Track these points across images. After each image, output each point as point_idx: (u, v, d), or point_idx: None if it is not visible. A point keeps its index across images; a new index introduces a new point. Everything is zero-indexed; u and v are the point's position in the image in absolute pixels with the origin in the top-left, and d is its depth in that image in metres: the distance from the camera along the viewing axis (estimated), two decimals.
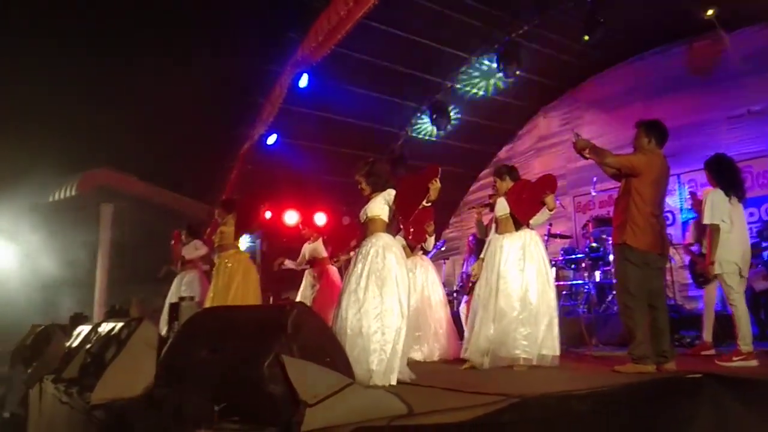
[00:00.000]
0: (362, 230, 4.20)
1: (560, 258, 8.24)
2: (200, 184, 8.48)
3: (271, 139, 8.42)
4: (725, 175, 4.72)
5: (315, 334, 2.59)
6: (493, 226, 5.10)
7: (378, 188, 4.13)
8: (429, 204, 3.99)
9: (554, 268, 8.33)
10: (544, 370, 4.50)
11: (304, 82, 8.06)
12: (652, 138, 4.30)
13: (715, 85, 8.78)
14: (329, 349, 2.63)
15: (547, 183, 4.92)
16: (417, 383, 3.61)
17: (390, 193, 4.07)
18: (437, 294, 5.89)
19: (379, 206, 4.06)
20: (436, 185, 3.84)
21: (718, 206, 4.60)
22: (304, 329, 2.54)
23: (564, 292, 8.28)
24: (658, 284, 4.17)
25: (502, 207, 4.97)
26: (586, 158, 4.43)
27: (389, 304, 3.72)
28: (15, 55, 6.18)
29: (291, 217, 8.94)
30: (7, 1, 5.81)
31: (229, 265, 5.75)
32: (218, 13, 6.33)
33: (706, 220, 4.70)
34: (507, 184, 5.03)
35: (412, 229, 5.38)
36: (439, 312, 5.80)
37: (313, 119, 9.01)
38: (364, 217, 4.12)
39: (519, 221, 4.86)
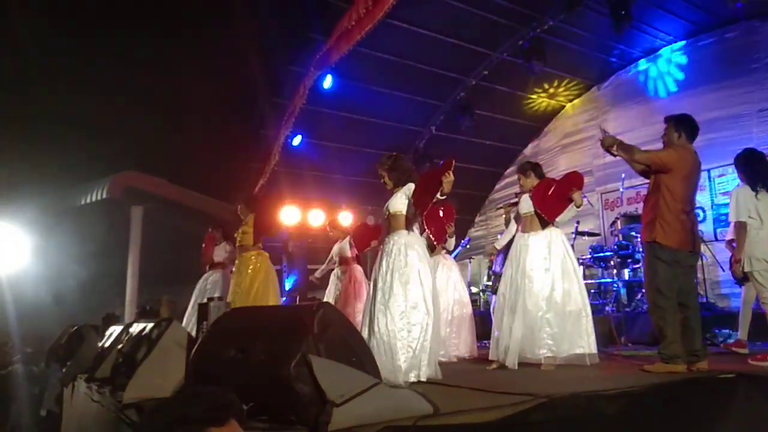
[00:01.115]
0: (385, 226, 4.22)
1: (588, 256, 8.12)
2: (228, 186, 8.58)
3: (297, 140, 8.49)
4: (754, 169, 4.61)
5: (341, 333, 2.61)
6: (513, 224, 5.09)
7: (400, 183, 4.17)
8: (443, 198, 4.00)
9: (582, 266, 8.27)
10: (572, 369, 4.45)
11: (328, 83, 8.11)
12: (682, 133, 4.22)
13: (745, 77, 8.57)
14: (356, 349, 2.64)
15: (574, 180, 4.87)
16: (443, 383, 3.61)
17: (410, 188, 4.11)
18: (459, 293, 5.86)
19: (401, 201, 4.09)
20: (449, 178, 3.86)
21: (744, 203, 4.50)
22: (331, 329, 2.56)
23: (592, 291, 8.17)
24: (690, 282, 4.09)
25: (527, 205, 4.91)
26: (614, 155, 4.36)
27: (414, 301, 3.74)
28: (42, 58, 6.32)
29: (316, 218, 9.00)
30: (30, 3, 5.95)
31: (251, 266, 5.77)
32: (243, 14, 6.38)
33: (731, 218, 4.61)
34: (532, 181, 4.97)
35: (432, 228, 5.37)
36: (461, 311, 5.78)
37: (337, 119, 9.05)
38: (387, 212, 4.15)
39: (545, 219, 4.81)
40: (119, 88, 6.74)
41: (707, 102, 8.98)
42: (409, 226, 4.06)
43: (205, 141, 7.93)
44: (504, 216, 5.65)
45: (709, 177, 8.78)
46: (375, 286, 3.85)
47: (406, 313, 3.69)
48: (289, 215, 8.71)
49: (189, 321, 6.21)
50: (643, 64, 9.94)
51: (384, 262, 3.91)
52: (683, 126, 4.24)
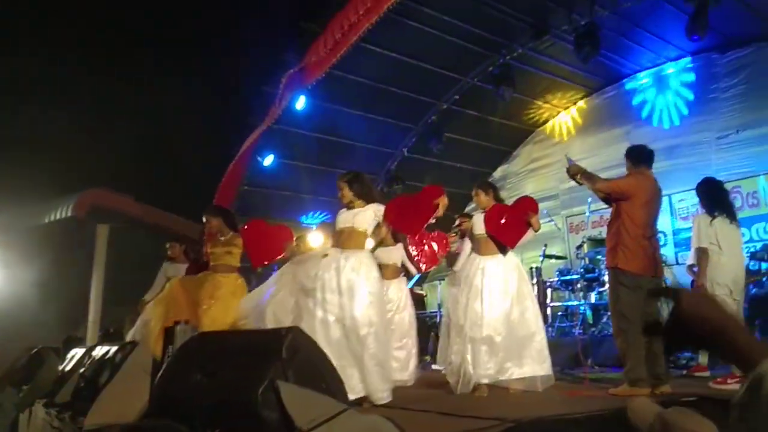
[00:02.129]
0: (338, 238, 4.12)
1: (555, 279, 8.26)
2: (197, 205, 8.49)
3: (268, 160, 8.47)
4: (713, 197, 4.79)
5: (310, 358, 2.59)
6: (468, 242, 4.91)
7: (362, 197, 4.15)
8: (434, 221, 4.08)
9: (549, 289, 8.40)
10: (539, 393, 4.49)
11: (301, 104, 8.14)
12: (638, 161, 4.39)
13: (704, 106, 8.91)
14: (325, 374, 2.63)
15: (528, 205, 4.84)
16: (411, 408, 3.61)
17: (380, 209, 4.10)
18: (406, 316, 5.75)
19: (369, 220, 4.10)
20: (444, 201, 4.08)
21: (705, 230, 4.66)
22: (300, 354, 2.54)
23: (559, 313, 8.29)
24: (650, 308, 4.19)
25: (482, 226, 4.79)
26: (579, 183, 4.49)
27: (365, 321, 3.75)
28: (9, 77, 6.23)
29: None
30: None
31: (231, 290, 5.53)
32: (215, 35, 6.41)
33: (694, 244, 4.78)
34: (489, 200, 4.84)
35: (421, 254, 5.38)
36: (407, 335, 5.69)
37: (310, 140, 9.08)
38: (347, 225, 4.10)
39: (503, 245, 4.81)
40: (85, 107, 6.66)
41: (668, 129, 9.31)
42: (380, 246, 4.08)
43: (175, 160, 7.86)
44: (459, 227, 5.59)
45: (671, 202, 9.04)
46: (323, 304, 3.80)
47: (364, 336, 3.72)
48: None
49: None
50: (609, 92, 10.25)
51: (334, 277, 3.86)
52: (639, 155, 4.41)
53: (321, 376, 2.58)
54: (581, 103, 10.58)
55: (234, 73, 7.01)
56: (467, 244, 4.92)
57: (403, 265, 5.67)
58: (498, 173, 11.74)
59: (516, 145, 11.43)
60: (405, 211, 4.27)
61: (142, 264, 8.07)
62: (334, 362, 3.41)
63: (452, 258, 5.65)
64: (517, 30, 8.28)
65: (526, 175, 11.20)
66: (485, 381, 4.37)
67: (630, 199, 4.21)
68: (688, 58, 9.00)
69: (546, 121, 11.02)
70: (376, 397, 3.71)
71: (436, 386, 5.05)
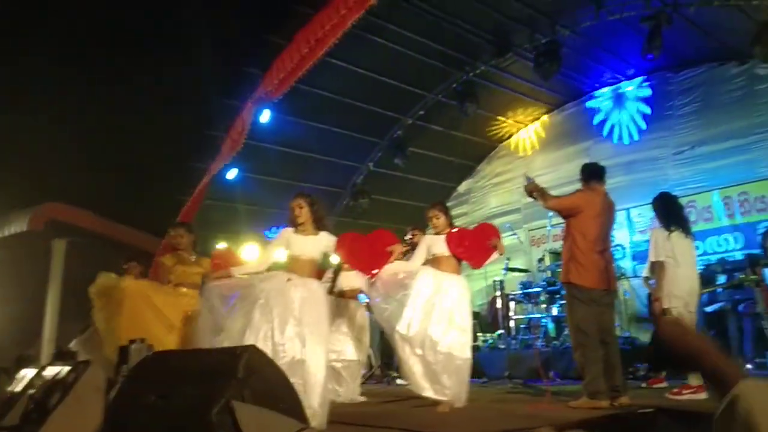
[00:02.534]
0: (296, 264, 4.04)
1: (518, 292, 8.35)
2: (157, 219, 8.31)
3: (231, 174, 8.38)
4: (668, 211, 4.93)
5: (268, 378, 2.55)
6: (419, 256, 4.85)
7: (316, 222, 4.14)
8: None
9: (513, 302, 8.50)
10: (502, 406, 4.52)
11: (265, 117, 8.09)
12: (589, 178, 4.51)
13: (660, 123, 9.20)
14: (282, 394, 2.59)
15: (490, 232, 4.95)
16: (373, 425, 3.58)
17: (332, 241, 4.14)
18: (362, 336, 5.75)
19: (320, 249, 4.12)
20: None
21: (661, 244, 4.79)
22: (257, 374, 2.50)
23: (522, 326, 8.38)
24: (608, 320, 4.28)
25: (443, 246, 4.79)
26: (536, 200, 4.61)
27: (313, 346, 3.75)
28: None
29: (250, 253, 8.83)
30: None
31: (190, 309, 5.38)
32: (175, 46, 6.31)
33: (651, 257, 4.91)
34: (444, 222, 4.88)
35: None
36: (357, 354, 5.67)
37: (275, 154, 9.01)
38: (305, 254, 4.05)
39: (458, 263, 4.85)
40: (40, 118, 6.47)
41: (626, 145, 9.57)
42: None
43: (134, 173, 7.70)
44: (412, 240, 5.59)
45: (629, 216, 9.27)
46: (276, 325, 3.75)
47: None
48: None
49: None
50: (570, 109, 10.50)
51: (295, 303, 3.83)
52: (590, 172, 4.54)
53: (279, 395, 2.54)
54: (543, 119, 10.80)
55: (195, 84, 6.91)
56: (418, 258, 4.86)
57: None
58: (462, 187, 11.86)
59: (480, 159, 11.58)
60: (357, 251, 4.32)
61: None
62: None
63: None
64: (480, 48, 8.42)
65: (490, 190, 11.35)
66: (443, 398, 4.36)
67: (578, 215, 4.33)
68: (645, 77, 9.28)
69: (509, 137, 11.20)
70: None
71: (401, 402, 5.04)
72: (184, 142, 8.03)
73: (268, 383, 2.53)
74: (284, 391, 2.62)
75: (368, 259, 4.42)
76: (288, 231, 4.12)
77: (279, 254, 4.32)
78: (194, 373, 2.60)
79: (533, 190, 4.56)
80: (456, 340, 4.46)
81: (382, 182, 10.46)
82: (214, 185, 8.56)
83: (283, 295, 3.83)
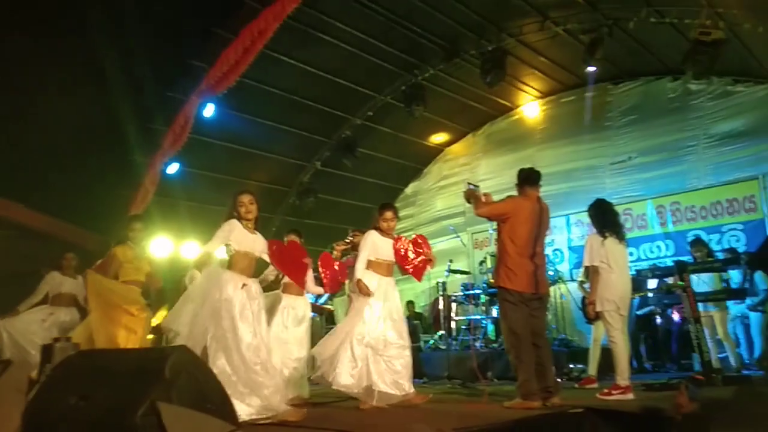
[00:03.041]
0: (247, 262, 3.98)
1: (460, 293, 8.46)
2: (95, 214, 7.98)
3: (172, 168, 8.13)
4: (603, 218, 5.09)
5: (197, 378, 2.48)
6: (363, 259, 4.78)
7: (257, 222, 4.12)
8: None
9: (454, 303, 8.60)
10: (439, 407, 4.56)
11: (209, 111, 7.90)
12: (522, 183, 4.61)
13: (599, 133, 9.53)
14: (211, 395, 2.52)
15: (424, 242, 5.02)
16: (309, 426, 3.55)
17: (266, 244, 4.13)
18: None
19: (260, 250, 4.10)
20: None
21: (597, 249, 4.94)
22: (185, 374, 2.42)
23: (463, 327, 8.50)
24: (538, 323, 4.37)
25: (391, 252, 4.81)
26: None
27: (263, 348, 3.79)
28: None
29: (191, 250, 8.60)
30: None
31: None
32: (118, 37, 6.09)
33: (586, 263, 5.05)
34: (395, 226, 4.91)
35: (328, 278, 5.38)
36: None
37: (219, 149, 8.83)
38: (254, 252, 4.01)
39: (415, 276, 4.94)
40: None
41: (567, 154, 9.87)
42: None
43: (71, 166, 7.37)
44: (352, 241, 5.60)
45: (568, 222, 9.57)
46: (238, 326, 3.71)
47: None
48: (160, 248, 8.25)
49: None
50: (514, 115, 10.73)
51: (254, 305, 3.83)
52: (524, 177, 4.64)
53: (207, 396, 2.48)
54: (489, 125, 11.01)
55: (137, 76, 6.67)
56: (362, 262, 4.84)
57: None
58: (409, 189, 11.95)
59: (427, 162, 11.70)
60: (285, 258, 4.39)
61: (35, 274, 7.48)
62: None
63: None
64: (428, 51, 8.51)
65: (436, 192, 11.49)
66: (388, 396, 4.39)
67: (507, 220, 4.43)
68: (586, 87, 9.57)
69: (456, 141, 11.36)
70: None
71: (341, 403, 5.01)
72: (126, 136, 7.74)
73: (196, 384, 2.46)
74: (213, 391, 2.55)
75: (292, 268, 4.55)
76: (237, 224, 4.00)
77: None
78: (119, 373, 2.50)
79: (469, 198, 4.65)
80: (405, 342, 4.59)
81: (329, 182, 10.41)
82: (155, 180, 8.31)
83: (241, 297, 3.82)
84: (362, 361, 4.44)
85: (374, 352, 4.48)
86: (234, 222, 3.96)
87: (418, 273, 4.94)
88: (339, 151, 9.88)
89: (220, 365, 3.49)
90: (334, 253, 5.76)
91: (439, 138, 11.17)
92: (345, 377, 4.38)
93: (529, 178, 4.60)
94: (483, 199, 4.67)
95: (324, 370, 4.44)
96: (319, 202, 10.26)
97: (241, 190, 4.17)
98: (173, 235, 8.23)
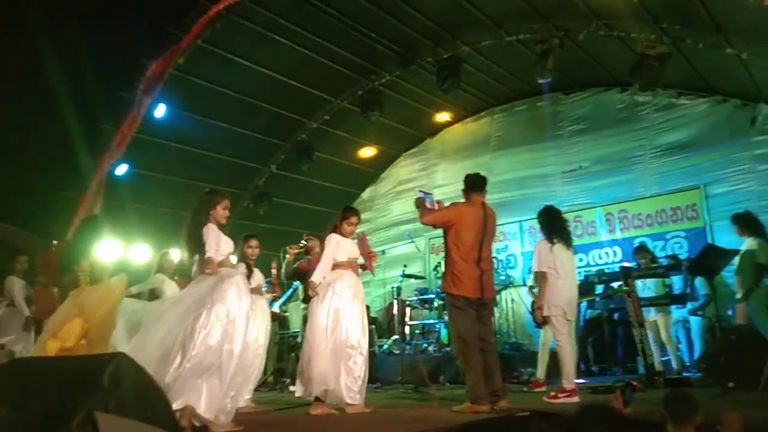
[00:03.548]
0: (222, 264, 3.86)
1: (414, 298, 8.52)
2: (42, 216, 7.69)
3: (121, 170, 7.91)
4: (550, 225, 5.21)
5: (137, 386, 2.42)
6: (327, 261, 4.78)
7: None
8: None
9: (408, 308, 8.65)
10: (389, 412, 4.57)
11: (160, 111, 7.73)
12: (468, 189, 4.69)
13: (552, 142, 9.75)
14: (152, 403, 2.46)
15: (364, 240, 5.11)
16: None
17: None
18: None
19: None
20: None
21: (545, 255, 5.05)
22: (125, 382, 2.36)
23: (417, 331, 8.55)
24: (485, 328, 4.44)
25: (355, 250, 4.90)
26: None
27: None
28: None
29: (140, 254, 8.38)
30: None
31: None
32: (62, 33, 5.89)
33: (534, 268, 5.17)
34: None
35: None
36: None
37: (171, 151, 8.62)
38: (228, 250, 3.94)
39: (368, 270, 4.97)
40: None
41: (521, 161, 10.07)
42: None
43: (16, 168, 7.09)
44: (306, 244, 5.59)
45: (521, 228, 9.76)
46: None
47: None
48: (108, 251, 7.99)
49: None
50: (470, 122, 10.89)
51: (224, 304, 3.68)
52: (470, 183, 4.71)
53: (148, 404, 2.42)
54: (445, 132, 11.13)
55: (84, 76, 6.47)
56: (327, 264, 4.82)
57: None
58: (366, 194, 11.97)
59: (384, 167, 11.74)
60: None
61: None
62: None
63: (301, 274, 5.64)
64: (385, 57, 8.54)
65: (393, 197, 11.52)
66: (349, 401, 4.38)
67: (452, 228, 4.49)
68: (539, 96, 9.79)
69: (412, 146, 11.44)
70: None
71: (291, 410, 4.97)
72: (71, 135, 7.49)
73: (136, 392, 2.39)
74: (154, 399, 2.49)
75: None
76: (217, 229, 3.90)
77: None
78: (55, 381, 2.41)
79: (418, 206, 4.70)
80: (365, 344, 4.60)
81: (285, 186, 10.32)
82: (103, 182, 8.07)
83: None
84: (332, 367, 4.41)
85: (342, 357, 4.46)
86: (215, 227, 3.90)
87: (371, 268, 4.99)
88: (295, 154, 9.80)
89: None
90: (288, 256, 5.72)
91: (395, 143, 11.22)
92: (317, 385, 4.35)
93: (474, 184, 4.66)
94: (432, 206, 4.72)
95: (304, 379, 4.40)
96: (274, 206, 10.15)
97: (220, 193, 4.04)
98: (121, 238, 7.98)
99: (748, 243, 5.86)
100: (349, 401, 4.38)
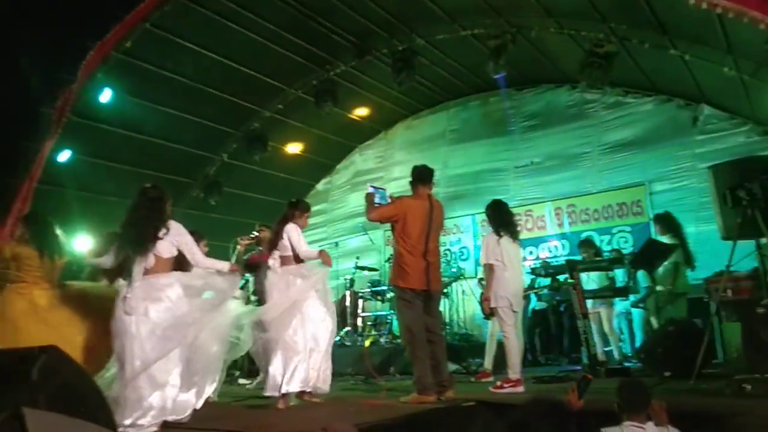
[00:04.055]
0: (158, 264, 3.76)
1: (367, 290, 8.53)
2: None
3: (64, 156, 7.60)
4: (498, 218, 5.30)
5: (69, 381, 2.33)
6: (277, 258, 4.81)
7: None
8: None
9: (362, 300, 8.67)
10: (338, 404, 4.57)
11: (105, 96, 7.47)
12: (415, 181, 4.73)
13: (505, 137, 9.90)
14: (86, 398, 2.38)
15: None
16: (198, 428, 3.45)
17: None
18: None
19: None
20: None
21: (492, 248, 5.13)
22: (56, 377, 2.27)
23: (369, 323, 8.58)
24: (431, 319, 4.50)
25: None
26: None
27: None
28: None
29: (84, 244, 8.07)
30: None
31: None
32: (1, 16, 5.62)
33: (482, 261, 5.25)
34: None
35: None
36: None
37: (118, 137, 8.34)
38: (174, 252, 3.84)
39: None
40: None
41: (475, 155, 10.19)
42: None
43: None
44: (258, 235, 5.54)
45: (474, 221, 9.89)
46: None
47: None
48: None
49: None
50: (426, 116, 10.93)
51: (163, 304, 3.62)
52: (417, 175, 4.76)
53: (81, 400, 2.34)
54: (401, 124, 11.15)
55: (29, 59, 6.21)
56: (278, 259, 4.78)
57: None
58: (321, 186, 11.89)
59: (339, 159, 11.68)
60: None
61: None
62: None
63: (252, 266, 5.58)
64: (340, 47, 8.46)
65: (350, 189, 11.46)
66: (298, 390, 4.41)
67: (397, 222, 4.53)
68: (493, 92, 9.90)
69: (368, 138, 11.41)
70: None
71: (239, 402, 4.92)
72: (13, 120, 7.16)
73: (68, 386, 2.31)
74: (88, 394, 2.41)
75: None
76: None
77: None
78: None
79: (367, 202, 4.72)
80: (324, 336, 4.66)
81: (237, 175, 10.14)
82: (44, 168, 7.75)
83: None
84: (302, 362, 4.39)
85: (308, 351, 4.46)
86: None
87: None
88: (247, 143, 9.62)
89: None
90: (238, 248, 5.62)
91: (351, 135, 11.17)
92: (295, 383, 4.33)
93: (421, 176, 4.71)
94: (382, 202, 4.72)
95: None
96: (226, 196, 9.97)
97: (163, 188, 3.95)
98: (63, 227, 7.67)
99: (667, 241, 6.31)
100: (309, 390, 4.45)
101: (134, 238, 3.64)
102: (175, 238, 3.75)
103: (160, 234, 3.66)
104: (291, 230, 4.66)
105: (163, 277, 3.63)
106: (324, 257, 4.58)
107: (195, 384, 3.65)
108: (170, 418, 3.45)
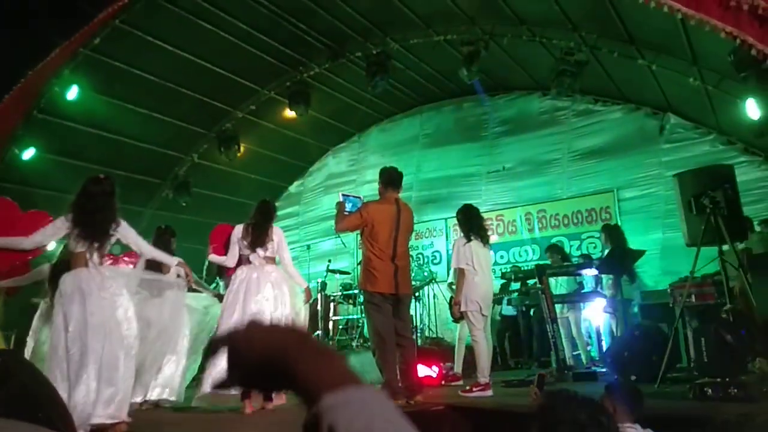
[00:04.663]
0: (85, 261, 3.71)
1: (339, 293, 8.49)
2: None
3: (28, 154, 7.40)
4: (468, 223, 5.33)
5: (26, 385, 2.25)
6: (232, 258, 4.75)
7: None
8: None
9: (333, 303, 8.61)
10: (302, 407, 4.52)
11: (72, 93, 7.30)
12: (383, 184, 4.73)
13: (477, 143, 9.98)
14: (44, 402, 2.30)
15: None
16: None
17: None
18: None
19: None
20: None
21: (463, 252, 5.16)
22: (12, 381, 2.18)
23: (341, 327, 8.53)
24: (400, 323, 4.49)
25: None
26: None
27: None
28: None
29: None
30: None
31: None
32: None
33: (453, 265, 5.27)
34: None
35: None
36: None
37: (84, 136, 8.16)
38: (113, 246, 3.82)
39: None
40: None
41: (448, 160, 10.24)
42: None
43: None
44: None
45: (446, 225, 9.93)
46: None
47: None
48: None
49: None
50: (400, 119, 10.94)
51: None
52: (382, 179, 4.75)
53: (39, 404, 2.26)
54: (375, 127, 11.14)
55: None
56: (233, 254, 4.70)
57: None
58: (293, 188, 11.81)
59: (312, 161, 11.62)
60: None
61: None
62: None
63: (224, 270, 5.50)
64: (314, 49, 8.43)
65: (323, 192, 11.40)
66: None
67: (366, 227, 4.53)
68: (467, 97, 9.97)
69: (342, 141, 11.38)
70: None
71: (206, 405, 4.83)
72: None
73: (26, 392, 2.23)
74: (46, 398, 2.33)
75: None
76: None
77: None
78: None
79: (337, 211, 4.72)
80: None
81: (207, 176, 10.00)
82: (5, 165, 7.55)
83: None
84: None
85: None
86: None
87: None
88: (219, 144, 9.51)
89: None
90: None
91: (325, 137, 11.12)
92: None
93: (389, 180, 4.70)
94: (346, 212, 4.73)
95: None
96: (196, 197, 9.82)
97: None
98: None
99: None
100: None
101: (98, 225, 3.59)
102: (121, 233, 3.74)
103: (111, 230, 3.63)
104: (280, 232, 4.67)
105: (108, 269, 3.64)
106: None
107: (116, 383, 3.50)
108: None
